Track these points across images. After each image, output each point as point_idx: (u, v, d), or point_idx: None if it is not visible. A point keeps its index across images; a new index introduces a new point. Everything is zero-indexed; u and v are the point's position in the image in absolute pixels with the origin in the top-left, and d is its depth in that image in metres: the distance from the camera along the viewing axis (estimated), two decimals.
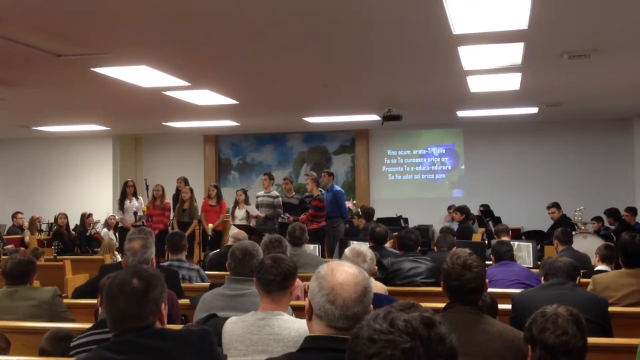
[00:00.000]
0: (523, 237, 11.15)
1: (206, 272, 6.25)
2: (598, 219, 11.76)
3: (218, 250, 8.06)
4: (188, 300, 4.80)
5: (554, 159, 14.07)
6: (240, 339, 3.01)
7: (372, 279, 4.72)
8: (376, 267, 4.15)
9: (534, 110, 11.83)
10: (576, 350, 2.30)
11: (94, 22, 5.82)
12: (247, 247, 4.10)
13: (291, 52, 7.04)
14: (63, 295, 5.19)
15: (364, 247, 3.98)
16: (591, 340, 3.00)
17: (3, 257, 6.97)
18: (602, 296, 4.14)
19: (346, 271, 2.13)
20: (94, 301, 4.04)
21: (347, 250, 3.92)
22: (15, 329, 4.04)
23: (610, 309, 4.01)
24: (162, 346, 2.24)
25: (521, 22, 5.84)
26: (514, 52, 7.12)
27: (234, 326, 3.07)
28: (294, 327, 2.95)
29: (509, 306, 3.95)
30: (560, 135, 14.01)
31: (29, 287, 4.31)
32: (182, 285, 5.47)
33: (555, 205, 10.50)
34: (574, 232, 9.43)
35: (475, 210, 12.92)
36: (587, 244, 8.77)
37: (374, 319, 1.23)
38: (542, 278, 4.25)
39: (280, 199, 10.82)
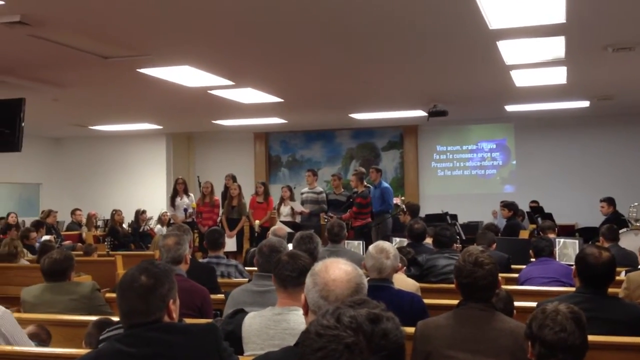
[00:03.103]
0: (577, 233, 10.93)
1: (248, 268, 6.39)
2: None
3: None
4: (223, 295, 4.91)
5: (608, 153, 13.72)
6: (257, 333, 3.10)
7: (403, 276, 4.78)
8: (400, 265, 4.17)
9: (585, 104, 11.57)
10: (575, 347, 2.30)
11: (136, 24, 6.02)
12: (274, 244, 4.18)
13: (332, 50, 7.11)
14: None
15: (387, 244, 4.00)
16: (600, 338, 2.98)
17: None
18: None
19: (340, 268, 2.18)
20: None
21: (371, 247, 3.96)
22: (56, 322, 4.21)
23: None
24: (169, 339, 2.33)
25: (559, 16, 5.76)
26: (557, 46, 7.01)
27: (253, 321, 3.16)
28: (308, 322, 3.01)
29: (534, 304, 3.90)
30: (613, 129, 13.65)
31: (69, 282, 4.49)
32: (221, 281, 5.62)
33: (607, 200, 10.23)
34: (625, 229, 9.23)
35: (525, 207, 12.73)
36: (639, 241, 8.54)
37: (324, 315, 1.29)
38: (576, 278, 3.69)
39: (324, 195, 10.87)
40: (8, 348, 3.43)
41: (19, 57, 7.24)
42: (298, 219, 10.58)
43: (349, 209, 10.55)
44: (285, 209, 10.81)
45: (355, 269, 2.21)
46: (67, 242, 11.39)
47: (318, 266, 2.22)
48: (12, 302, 4.82)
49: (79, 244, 10.99)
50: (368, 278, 2.93)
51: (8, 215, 12.41)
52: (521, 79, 8.86)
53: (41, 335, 3.90)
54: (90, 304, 4.42)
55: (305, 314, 2.23)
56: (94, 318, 4.03)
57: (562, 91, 9.92)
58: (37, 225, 10.48)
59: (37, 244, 9.04)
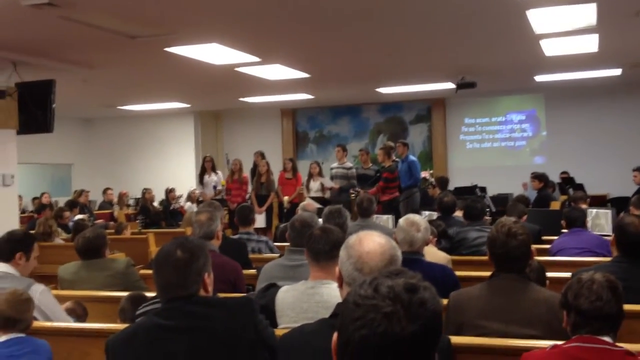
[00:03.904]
0: (609, 204, 10.80)
1: (277, 244, 6.43)
2: None
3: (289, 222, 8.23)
4: (255, 270, 4.96)
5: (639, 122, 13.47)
6: (291, 306, 3.14)
7: (434, 249, 4.78)
8: (431, 237, 4.17)
9: (617, 72, 11.36)
10: (611, 316, 2.28)
11: (164, 3, 6.03)
12: (306, 219, 4.21)
13: (359, 24, 7.07)
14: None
15: (418, 217, 4.00)
16: (637, 307, 2.96)
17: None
18: None
19: (374, 240, 2.20)
20: None
21: (401, 220, 3.97)
22: (92, 298, 4.29)
23: None
24: (206, 312, 2.37)
25: None
26: (588, 13, 6.87)
27: (286, 295, 3.19)
28: (342, 294, 3.04)
29: (568, 274, 3.87)
30: None
31: (104, 259, 4.57)
32: (252, 256, 5.67)
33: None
34: None
35: (556, 178, 12.60)
36: None
37: (361, 285, 1.30)
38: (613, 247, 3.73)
39: (354, 170, 10.87)
40: (48, 324, 3.52)
41: (48, 39, 7.31)
42: (327, 195, 10.60)
43: (376, 184, 10.54)
44: (314, 185, 10.83)
45: (389, 241, 2.22)
46: (99, 221, 11.55)
47: (352, 239, 2.24)
48: (49, 280, 4.92)
49: (112, 223, 11.15)
50: None
51: (42, 195, 12.65)
52: (551, 48, 8.71)
53: (77, 311, 3.99)
54: (125, 280, 4.49)
55: (340, 286, 2.25)
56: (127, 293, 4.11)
57: (593, 59, 9.74)
58: (71, 205, 10.66)
59: (71, 223, 9.20)
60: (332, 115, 15.70)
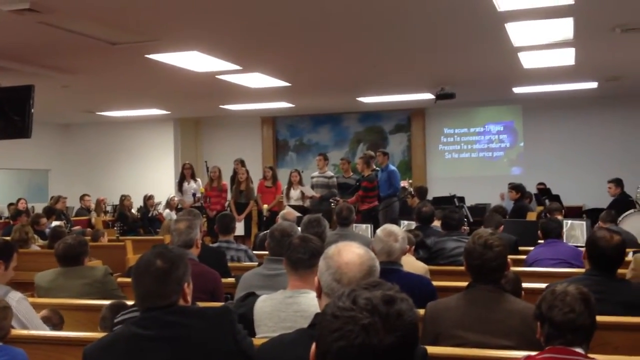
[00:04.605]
0: (584, 215, 10.93)
1: (256, 252, 6.43)
2: None
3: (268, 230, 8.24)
4: (234, 279, 4.96)
5: (616, 135, 13.67)
6: (269, 316, 3.15)
7: (412, 258, 4.81)
8: (408, 247, 4.21)
9: (593, 85, 11.54)
10: (583, 328, 2.33)
11: (145, 10, 6.04)
12: (285, 228, 4.22)
13: (339, 34, 7.12)
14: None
15: (395, 227, 4.03)
16: (608, 319, 3.02)
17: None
18: None
19: (352, 251, 2.22)
20: None
21: (379, 231, 4.00)
22: (69, 306, 4.27)
23: None
24: (185, 322, 2.38)
25: None
26: (565, 27, 6.99)
27: (264, 304, 3.21)
28: (321, 305, 3.06)
29: (543, 285, 3.92)
30: (621, 110, 13.59)
31: (82, 267, 4.54)
32: (231, 265, 5.67)
33: (615, 181, 10.22)
34: (632, 210, 9.24)
35: (533, 189, 12.74)
36: None
37: (340, 297, 1.33)
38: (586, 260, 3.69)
39: (335, 179, 10.90)
40: (25, 332, 3.49)
41: (28, 44, 7.27)
42: (307, 203, 10.62)
43: (356, 193, 10.58)
44: (295, 193, 10.84)
45: (368, 252, 2.25)
46: (76, 228, 11.47)
47: (331, 250, 2.26)
48: (25, 287, 4.88)
49: (89, 229, 11.07)
50: None
51: (18, 201, 12.51)
52: (529, 60, 8.84)
53: (53, 320, 3.97)
54: (103, 288, 4.48)
55: (319, 296, 2.27)
56: (107, 302, 4.09)
57: (570, 72, 9.89)
58: (48, 212, 10.56)
59: (48, 230, 9.12)
60: (313, 123, 15.73)
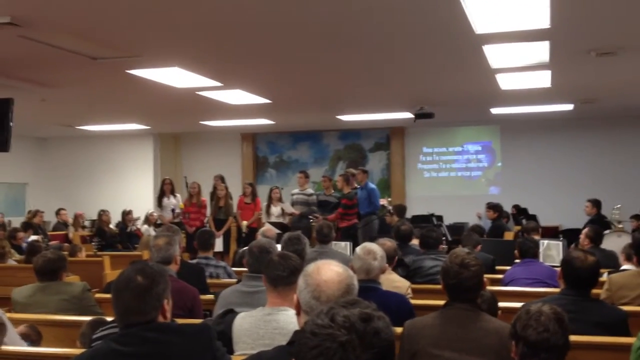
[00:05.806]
0: (560, 235, 11.06)
1: (235, 269, 6.44)
2: (637, 217, 11.58)
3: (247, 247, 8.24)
4: (213, 296, 4.97)
5: (593, 156, 13.89)
6: (248, 333, 3.17)
7: (395, 275, 4.85)
8: (387, 265, 4.25)
9: (569, 107, 11.72)
10: (557, 347, 2.38)
11: (126, 26, 6.05)
12: (264, 245, 4.25)
13: (320, 53, 7.18)
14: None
15: (374, 245, 4.08)
16: (581, 338, 3.08)
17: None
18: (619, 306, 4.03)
19: (331, 269, 2.26)
20: None
21: (358, 249, 4.04)
22: (47, 322, 4.25)
23: (625, 308, 4.01)
24: (164, 339, 2.39)
25: (543, 21, 5.86)
26: (541, 50, 7.12)
27: (243, 321, 3.23)
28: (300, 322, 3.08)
29: (519, 304, 3.98)
30: (597, 132, 13.82)
31: (60, 282, 4.53)
32: (210, 281, 5.67)
33: (593, 201, 10.38)
34: (608, 231, 9.38)
35: (510, 208, 12.89)
36: (622, 243, 8.66)
37: (318, 314, 1.36)
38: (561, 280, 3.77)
39: (315, 197, 10.95)
40: (2, 348, 3.47)
41: (7, 58, 7.24)
42: (286, 220, 10.64)
43: (336, 210, 10.63)
44: (275, 210, 10.87)
45: (346, 271, 2.28)
46: (54, 242, 11.37)
47: (310, 268, 2.30)
48: (2, 303, 4.85)
49: (66, 244, 10.98)
50: None
51: None
52: (506, 82, 8.97)
53: (31, 336, 3.95)
54: (80, 304, 4.47)
55: (298, 314, 2.30)
56: (84, 318, 4.08)
57: (546, 94, 10.05)
58: (26, 226, 10.48)
59: (25, 244, 9.05)
60: (293, 140, 15.78)
